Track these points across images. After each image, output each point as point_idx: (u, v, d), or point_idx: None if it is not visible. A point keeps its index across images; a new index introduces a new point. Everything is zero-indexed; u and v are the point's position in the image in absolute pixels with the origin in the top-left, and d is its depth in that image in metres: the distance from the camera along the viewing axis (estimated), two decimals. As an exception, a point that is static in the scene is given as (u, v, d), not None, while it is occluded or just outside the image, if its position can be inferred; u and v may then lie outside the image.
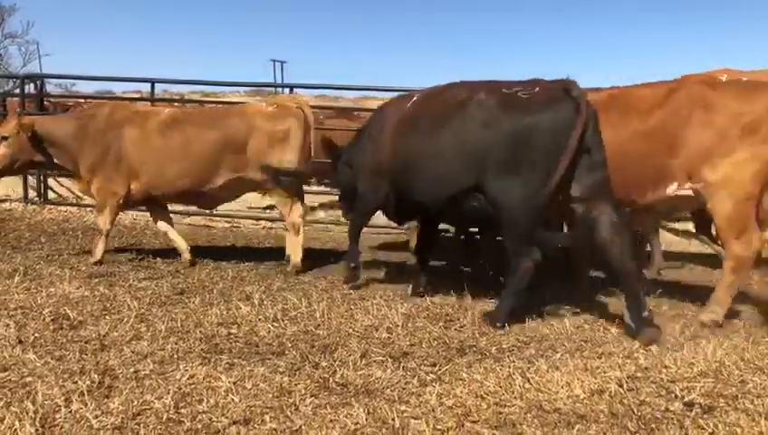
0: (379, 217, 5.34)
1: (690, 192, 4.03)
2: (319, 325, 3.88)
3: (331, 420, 2.64)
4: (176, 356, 3.31)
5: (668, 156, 4.00)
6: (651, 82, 4.40)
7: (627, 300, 3.83)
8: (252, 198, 10.10)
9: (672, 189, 4.07)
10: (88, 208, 7.68)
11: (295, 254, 5.54)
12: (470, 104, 4.00)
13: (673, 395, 2.95)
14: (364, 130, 4.98)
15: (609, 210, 3.80)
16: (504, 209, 3.87)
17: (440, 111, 4.17)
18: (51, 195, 8.85)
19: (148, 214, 8.01)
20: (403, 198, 4.50)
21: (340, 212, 6.21)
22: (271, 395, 2.87)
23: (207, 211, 8.59)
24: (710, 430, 2.60)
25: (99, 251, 5.46)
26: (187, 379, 3.01)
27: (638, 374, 3.19)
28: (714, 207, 3.92)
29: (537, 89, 3.88)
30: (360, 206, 4.87)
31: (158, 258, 5.67)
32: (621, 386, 3.03)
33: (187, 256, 5.59)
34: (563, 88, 3.83)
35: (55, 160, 5.64)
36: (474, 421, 2.67)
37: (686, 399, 2.91)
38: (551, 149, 3.74)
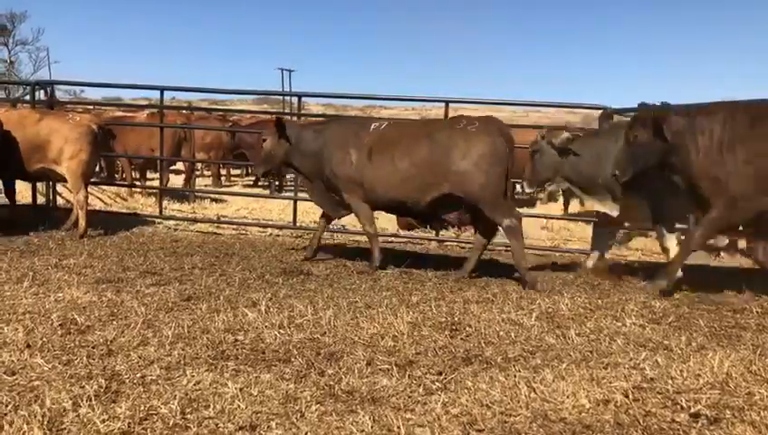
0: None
1: (56, 168, 6.85)
2: (325, 333, 3.90)
3: (336, 428, 2.65)
4: (182, 362, 3.33)
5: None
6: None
7: None
8: (258, 207, 10.16)
9: (42, 164, 6.82)
10: (100, 214, 7.72)
11: None
12: None
13: (679, 406, 2.95)
14: None
15: None
16: None
17: None
18: (59, 201, 8.93)
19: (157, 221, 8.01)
20: None
21: None
22: (277, 402, 2.88)
23: (215, 218, 8.64)
24: (716, 442, 2.60)
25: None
26: (194, 385, 3.02)
27: (644, 385, 3.19)
28: (67, 178, 6.86)
29: None
30: None
31: (165, 265, 5.70)
32: (627, 396, 3.02)
33: None
34: None
35: None
36: (479, 430, 2.67)
37: (692, 410, 2.90)
38: None
